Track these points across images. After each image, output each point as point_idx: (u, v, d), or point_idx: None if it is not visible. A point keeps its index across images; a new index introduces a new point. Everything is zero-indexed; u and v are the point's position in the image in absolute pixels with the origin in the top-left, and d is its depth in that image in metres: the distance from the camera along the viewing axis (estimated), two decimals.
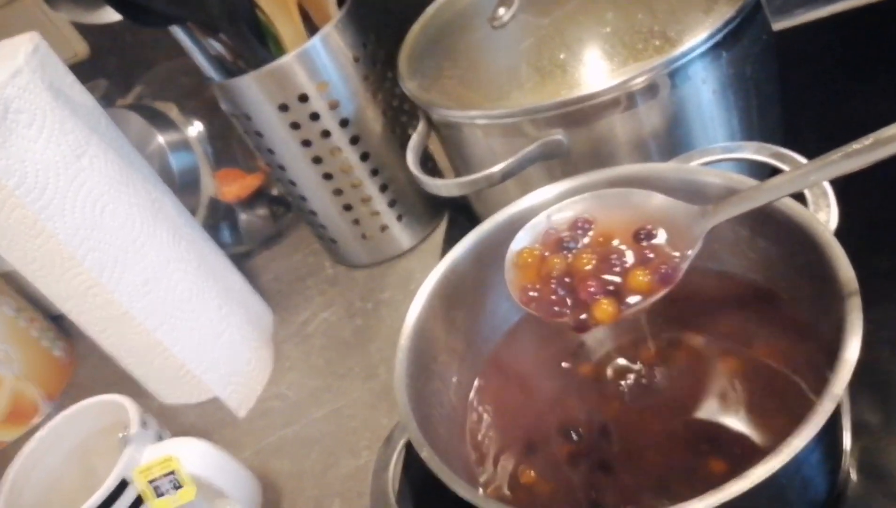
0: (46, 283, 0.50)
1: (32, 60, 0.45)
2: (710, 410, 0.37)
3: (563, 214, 0.39)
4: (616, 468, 0.37)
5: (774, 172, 0.39)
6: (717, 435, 0.36)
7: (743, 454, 0.35)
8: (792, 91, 0.48)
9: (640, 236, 0.36)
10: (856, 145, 0.30)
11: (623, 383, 0.41)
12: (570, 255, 0.37)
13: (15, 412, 0.63)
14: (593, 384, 0.41)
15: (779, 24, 0.55)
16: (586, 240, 0.37)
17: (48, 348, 0.66)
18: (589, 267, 0.35)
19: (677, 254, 0.35)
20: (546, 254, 0.37)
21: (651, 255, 0.35)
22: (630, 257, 0.36)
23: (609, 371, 0.41)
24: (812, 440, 0.27)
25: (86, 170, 0.47)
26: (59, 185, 0.46)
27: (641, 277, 0.34)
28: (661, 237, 0.36)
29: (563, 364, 0.43)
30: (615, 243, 0.36)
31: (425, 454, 0.34)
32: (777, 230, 0.37)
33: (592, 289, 0.34)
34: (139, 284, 0.50)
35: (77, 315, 0.52)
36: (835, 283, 0.32)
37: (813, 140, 0.40)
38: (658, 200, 0.37)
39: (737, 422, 0.36)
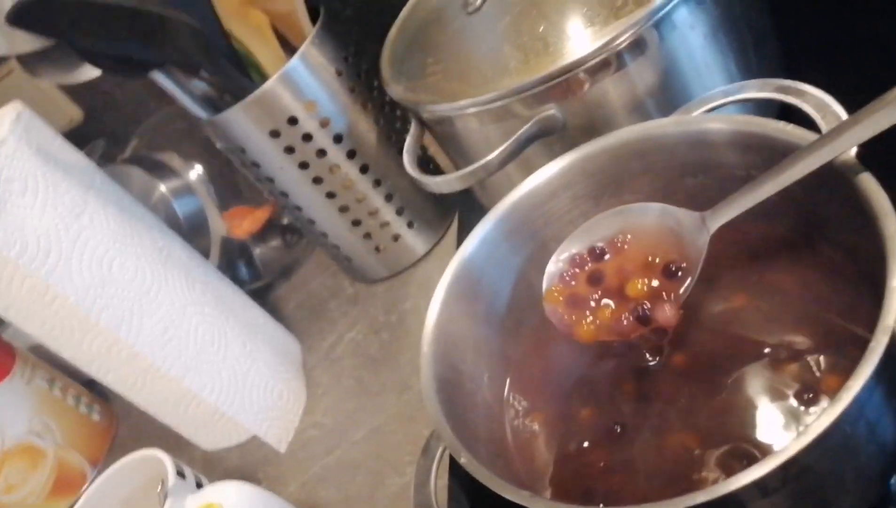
0: (68, 348, 0.49)
1: (17, 128, 0.45)
2: (760, 372, 0.35)
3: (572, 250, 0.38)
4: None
5: (783, 109, 0.37)
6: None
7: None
8: (788, 23, 0.46)
9: (671, 271, 0.35)
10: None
11: (663, 355, 0.39)
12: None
13: (62, 481, 0.63)
14: (633, 362, 0.39)
15: None
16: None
17: (86, 413, 0.67)
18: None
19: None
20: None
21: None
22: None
23: (648, 346, 0.40)
24: (870, 380, 0.25)
25: (87, 228, 0.47)
26: (62, 247, 0.45)
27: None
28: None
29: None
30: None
31: (464, 459, 0.32)
32: None
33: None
34: (159, 333, 0.49)
35: (104, 375, 0.51)
36: (866, 208, 0.30)
37: (817, 70, 0.38)
38: (654, 213, 0.36)
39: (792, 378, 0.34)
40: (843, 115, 0.35)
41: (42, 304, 0.46)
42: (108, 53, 0.51)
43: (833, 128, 0.30)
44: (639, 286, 0.36)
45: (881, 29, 0.47)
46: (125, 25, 0.48)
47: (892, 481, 0.33)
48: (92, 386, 0.70)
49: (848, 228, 0.32)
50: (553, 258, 0.38)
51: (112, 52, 0.50)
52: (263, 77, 0.53)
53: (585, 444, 0.37)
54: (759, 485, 0.26)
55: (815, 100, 0.36)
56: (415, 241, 0.60)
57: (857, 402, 0.25)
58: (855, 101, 0.34)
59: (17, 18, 0.44)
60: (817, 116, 0.35)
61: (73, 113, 0.75)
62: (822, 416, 0.25)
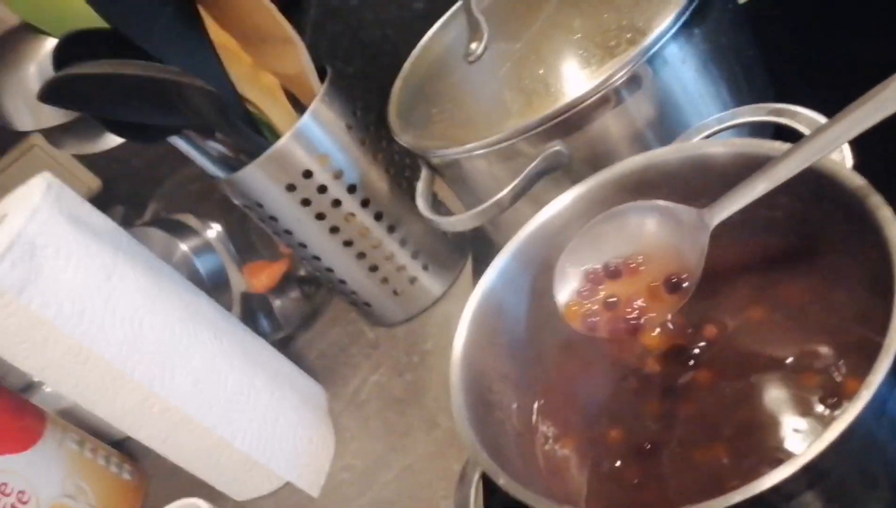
0: (102, 405, 0.51)
1: (48, 197, 0.48)
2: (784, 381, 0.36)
3: (582, 264, 0.40)
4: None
5: (778, 131, 0.39)
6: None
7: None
8: (772, 52, 0.48)
9: (672, 285, 0.37)
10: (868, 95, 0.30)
11: (682, 374, 0.40)
12: None
13: None
14: (656, 381, 0.41)
15: None
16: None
17: (117, 473, 0.67)
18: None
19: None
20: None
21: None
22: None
23: (665, 366, 0.41)
24: (888, 376, 0.27)
25: (118, 288, 0.49)
26: (95, 307, 0.47)
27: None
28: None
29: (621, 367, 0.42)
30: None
31: (503, 481, 0.33)
32: (796, 183, 0.36)
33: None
34: (190, 385, 0.51)
35: (137, 431, 0.53)
36: (866, 216, 0.31)
37: (803, 93, 0.40)
38: (656, 214, 0.38)
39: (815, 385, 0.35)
40: None
41: (77, 363, 0.48)
42: (129, 122, 0.53)
43: (826, 122, 0.32)
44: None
45: (860, 52, 0.49)
46: (146, 94, 0.50)
47: None
48: (120, 447, 0.71)
49: (851, 236, 0.33)
50: (560, 266, 0.39)
51: (133, 120, 0.53)
52: (277, 135, 0.55)
53: (617, 464, 0.38)
54: (781, 489, 0.26)
55: (808, 120, 0.38)
56: (431, 283, 0.62)
57: (877, 399, 0.26)
58: None
59: (47, 95, 0.47)
60: None
61: (91, 182, 0.77)
62: (842, 416, 0.26)
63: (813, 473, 0.27)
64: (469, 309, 0.40)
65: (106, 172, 0.78)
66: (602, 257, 0.39)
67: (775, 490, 0.26)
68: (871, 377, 0.27)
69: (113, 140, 0.56)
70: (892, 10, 0.50)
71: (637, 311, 0.38)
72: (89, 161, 0.77)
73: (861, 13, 0.52)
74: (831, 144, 0.31)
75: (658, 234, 0.38)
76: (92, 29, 0.48)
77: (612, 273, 0.39)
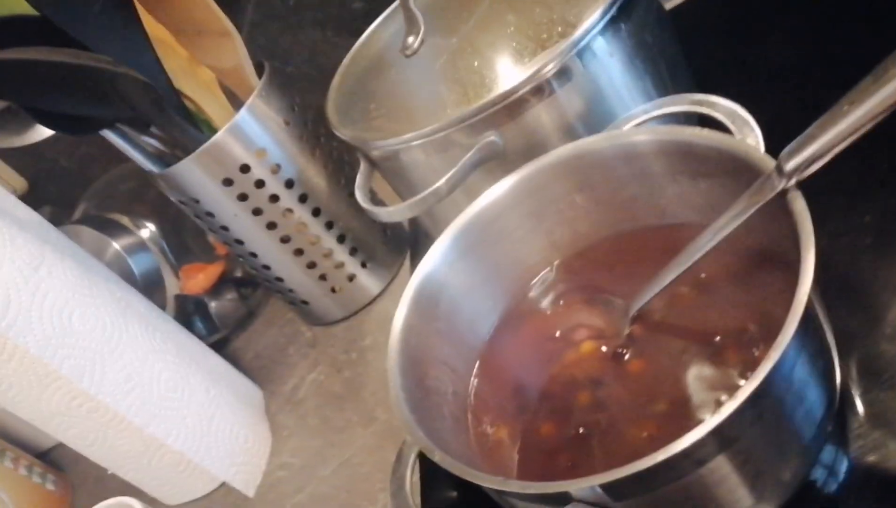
0: (28, 406, 0.49)
1: None
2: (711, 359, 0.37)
3: None
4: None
5: (702, 123, 0.41)
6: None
7: None
8: (694, 48, 0.51)
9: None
10: None
11: (609, 353, 0.41)
12: None
13: None
14: (588, 372, 0.42)
15: (670, 3, 0.59)
16: None
17: (40, 483, 0.65)
18: None
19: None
20: None
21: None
22: None
23: (595, 348, 0.42)
24: (791, 343, 0.28)
25: (45, 280, 0.47)
26: (21, 300, 0.46)
27: None
28: None
29: (551, 352, 0.43)
30: None
31: (438, 457, 0.33)
32: (714, 167, 0.38)
33: None
34: (121, 382, 0.49)
35: (64, 432, 0.51)
36: (777, 196, 0.33)
37: (721, 87, 0.42)
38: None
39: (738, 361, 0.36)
40: (750, 120, 0.39)
41: (2, 360, 0.46)
42: (60, 113, 0.52)
43: (722, 215, 0.35)
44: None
45: (771, 51, 0.53)
46: (77, 84, 0.49)
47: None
48: (44, 458, 0.68)
49: (765, 216, 0.35)
50: None
51: (64, 111, 0.52)
52: (213, 131, 0.55)
53: (549, 451, 0.38)
54: (691, 454, 0.27)
55: (725, 109, 0.40)
56: (369, 280, 0.62)
57: (782, 366, 0.28)
58: (755, 108, 0.39)
59: None
60: (728, 121, 0.39)
61: (17, 184, 0.75)
62: (749, 382, 0.27)
63: (722, 437, 0.28)
64: (409, 290, 0.41)
65: (33, 172, 0.76)
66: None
67: (685, 454, 0.27)
68: (775, 344, 0.28)
69: (40, 133, 0.54)
70: (795, 16, 0.54)
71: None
72: (15, 161, 0.74)
73: (771, 18, 0.55)
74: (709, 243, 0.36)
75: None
76: (21, 15, 0.47)
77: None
